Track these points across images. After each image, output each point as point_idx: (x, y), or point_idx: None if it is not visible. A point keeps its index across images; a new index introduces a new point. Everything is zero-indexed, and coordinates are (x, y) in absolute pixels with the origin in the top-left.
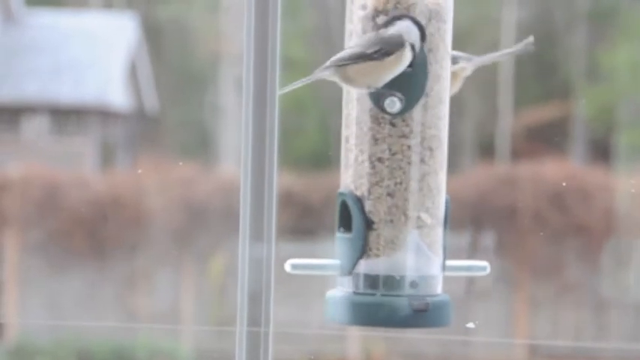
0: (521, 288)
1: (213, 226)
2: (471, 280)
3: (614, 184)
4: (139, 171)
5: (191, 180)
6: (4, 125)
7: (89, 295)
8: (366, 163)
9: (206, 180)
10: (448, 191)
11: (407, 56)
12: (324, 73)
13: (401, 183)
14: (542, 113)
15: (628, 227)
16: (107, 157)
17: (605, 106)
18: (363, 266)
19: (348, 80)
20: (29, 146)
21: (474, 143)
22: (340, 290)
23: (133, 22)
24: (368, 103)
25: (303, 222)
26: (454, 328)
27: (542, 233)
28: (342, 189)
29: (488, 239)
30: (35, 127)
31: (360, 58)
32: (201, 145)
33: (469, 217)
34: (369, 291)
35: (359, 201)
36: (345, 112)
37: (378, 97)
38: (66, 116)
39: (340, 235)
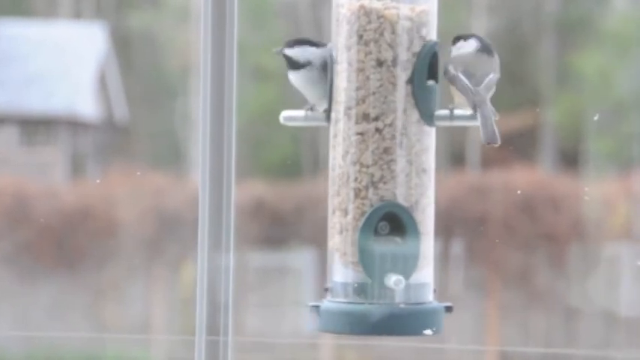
0: (492, 295)
1: (184, 236)
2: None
3: (583, 191)
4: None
5: (161, 190)
6: None
7: (59, 306)
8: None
9: (176, 190)
10: None
11: None
12: (488, 105)
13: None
14: (512, 121)
15: (597, 234)
16: (77, 167)
17: (575, 113)
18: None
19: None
20: None
21: (445, 151)
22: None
23: (103, 31)
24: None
25: (274, 231)
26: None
27: (511, 241)
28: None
29: (458, 247)
30: (4, 138)
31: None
32: (171, 155)
33: (440, 225)
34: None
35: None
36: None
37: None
38: (35, 127)
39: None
